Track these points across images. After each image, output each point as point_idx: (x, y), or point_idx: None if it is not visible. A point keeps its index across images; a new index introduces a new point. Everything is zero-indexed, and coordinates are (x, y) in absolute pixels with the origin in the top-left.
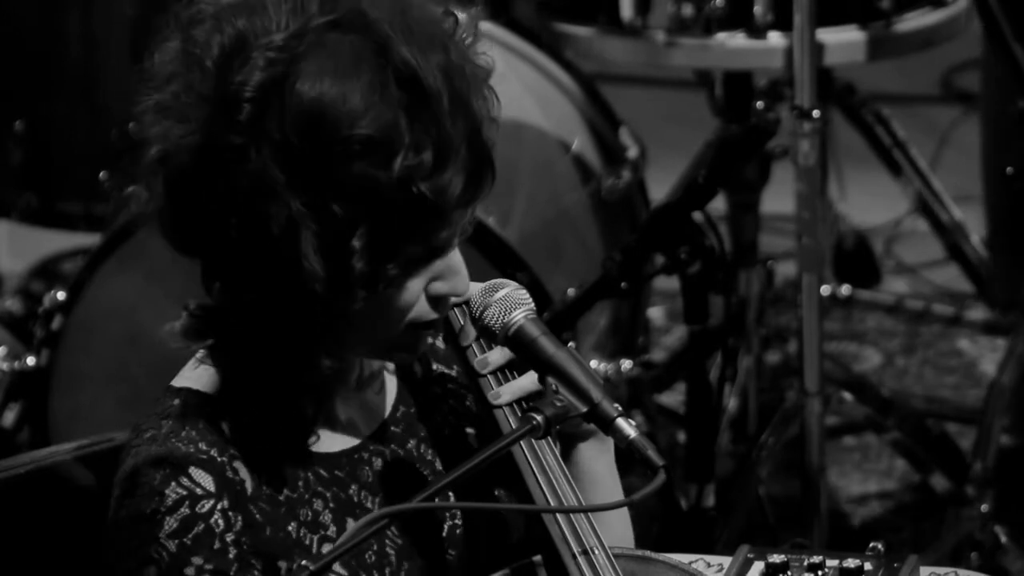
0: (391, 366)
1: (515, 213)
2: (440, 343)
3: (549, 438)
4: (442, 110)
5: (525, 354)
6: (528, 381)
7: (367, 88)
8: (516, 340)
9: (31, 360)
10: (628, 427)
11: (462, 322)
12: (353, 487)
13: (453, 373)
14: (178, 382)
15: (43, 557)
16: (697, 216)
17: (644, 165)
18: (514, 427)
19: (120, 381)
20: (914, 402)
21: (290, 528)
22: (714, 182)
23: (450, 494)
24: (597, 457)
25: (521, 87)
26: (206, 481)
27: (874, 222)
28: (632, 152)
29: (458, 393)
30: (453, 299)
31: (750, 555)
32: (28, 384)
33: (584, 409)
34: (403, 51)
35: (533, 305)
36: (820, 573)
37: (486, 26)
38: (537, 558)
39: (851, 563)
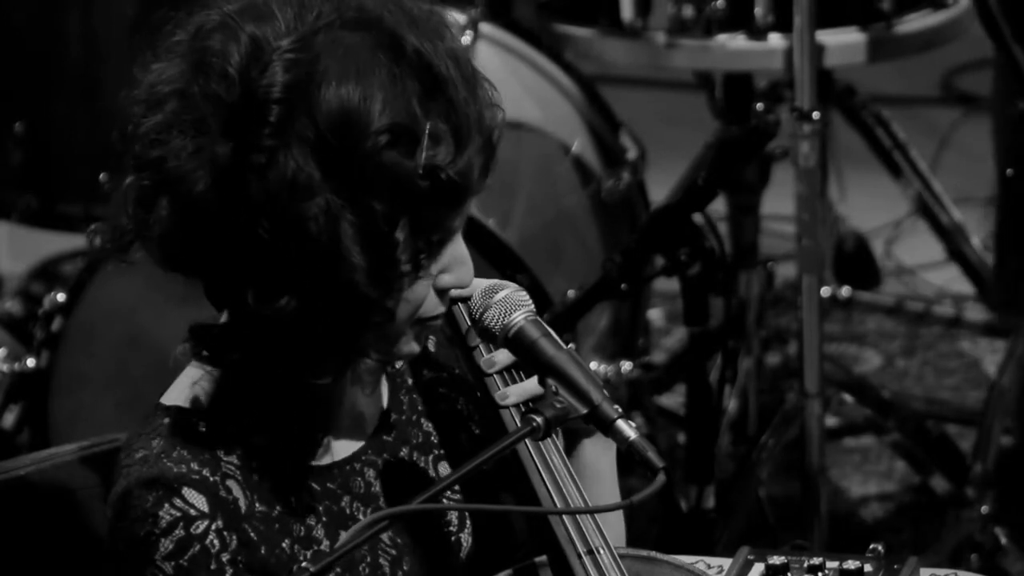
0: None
1: (515, 215)
2: (431, 346)
3: (554, 436)
4: (457, 95)
5: (525, 356)
6: (536, 383)
7: (387, 83)
8: (516, 342)
9: (31, 362)
10: (628, 429)
11: (469, 323)
12: (346, 499)
13: (445, 376)
14: (167, 400)
15: (43, 558)
16: (697, 218)
17: (644, 167)
18: (517, 427)
19: (120, 383)
20: (914, 404)
21: (284, 545)
22: (714, 184)
23: (446, 496)
24: (600, 454)
25: (521, 88)
26: (199, 501)
27: (874, 224)
28: (632, 154)
29: (450, 396)
30: (456, 292)
31: (750, 557)
32: (28, 386)
33: (584, 411)
34: (413, 41)
35: (533, 307)
36: (820, 574)
37: (486, 27)
38: (542, 558)
39: (851, 564)
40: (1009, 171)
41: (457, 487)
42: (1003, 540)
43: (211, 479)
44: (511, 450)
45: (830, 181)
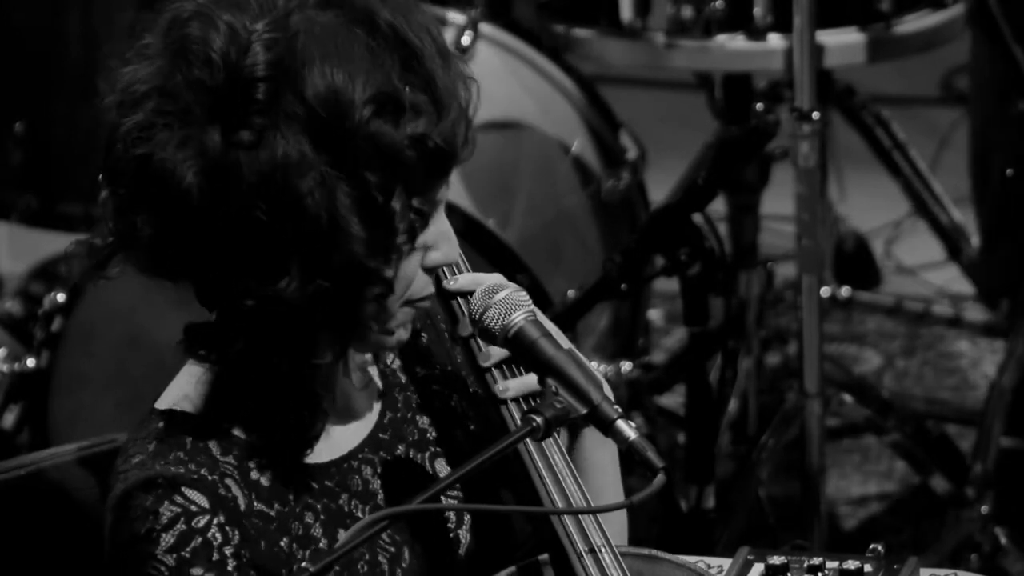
0: (374, 363)
1: (515, 215)
2: (423, 342)
3: (555, 434)
4: (434, 64)
5: (525, 356)
6: (535, 378)
7: (367, 56)
8: (516, 342)
9: (31, 362)
10: (628, 429)
11: (463, 314)
12: (344, 497)
13: (438, 373)
14: (162, 404)
15: (43, 558)
16: (697, 218)
17: (644, 167)
18: (516, 426)
19: (120, 383)
20: (914, 404)
21: (282, 544)
22: (714, 184)
23: (447, 496)
24: (601, 446)
25: (521, 89)
26: (200, 499)
27: (874, 224)
28: (632, 154)
29: (443, 394)
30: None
31: (750, 557)
32: (28, 386)
33: (584, 411)
34: (387, 16)
35: (533, 307)
36: (820, 574)
37: (486, 28)
38: (543, 557)
39: (851, 565)
40: (1009, 171)
41: (456, 485)
42: (1003, 540)
43: (209, 478)
44: (512, 448)
45: (830, 181)
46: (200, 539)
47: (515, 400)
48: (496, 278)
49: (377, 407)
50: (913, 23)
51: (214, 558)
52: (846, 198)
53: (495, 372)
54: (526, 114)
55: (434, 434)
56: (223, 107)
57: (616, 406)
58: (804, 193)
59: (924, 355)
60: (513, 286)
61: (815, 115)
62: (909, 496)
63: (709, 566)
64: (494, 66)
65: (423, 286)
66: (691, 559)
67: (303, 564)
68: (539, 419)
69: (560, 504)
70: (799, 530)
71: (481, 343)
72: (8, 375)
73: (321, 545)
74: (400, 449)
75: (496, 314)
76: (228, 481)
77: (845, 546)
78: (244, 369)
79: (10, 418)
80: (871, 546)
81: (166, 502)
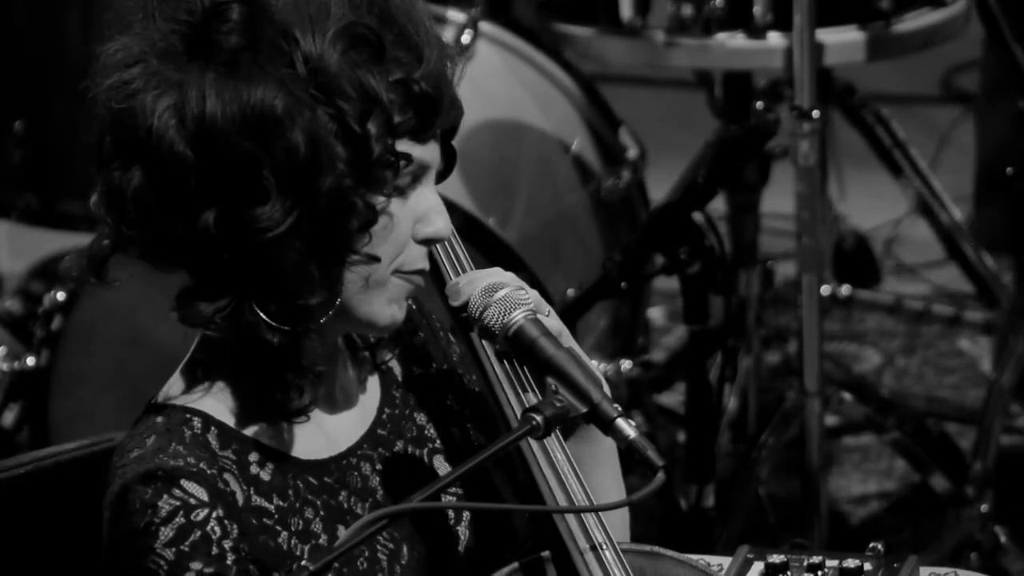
0: (372, 360)
1: (515, 214)
2: (418, 342)
3: (556, 431)
4: (408, 20)
5: (525, 355)
6: (495, 272)
7: (340, 2)
8: (516, 341)
9: (31, 360)
10: (628, 427)
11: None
12: (343, 493)
13: (433, 371)
14: (159, 399)
15: (43, 557)
16: (697, 216)
17: (644, 165)
18: (517, 426)
19: (120, 381)
20: (914, 402)
21: (281, 539)
22: (714, 182)
23: (447, 493)
24: (601, 438)
25: (521, 87)
26: (199, 492)
27: (874, 222)
28: (632, 152)
29: (439, 392)
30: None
31: (750, 555)
32: (28, 384)
33: (584, 409)
34: None
35: (534, 304)
36: (820, 573)
37: (486, 26)
38: (545, 554)
39: (851, 563)
40: (1009, 169)
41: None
42: (1003, 539)
43: (208, 472)
44: (513, 446)
45: (830, 180)
46: (199, 532)
47: (514, 391)
48: (495, 273)
49: (375, 404)
50: (913, 21)
51: (213, 552)
52: (846, 197)
53: (498, 371)
54: (526, 113)
55: (432, 431)
56: (200, 36)
57: (616, 404)
58: (804, 192)
59: (924, 354)
60: (513, 284)
61: (815, 114)
62: (909, 495)
63: (709, 564)
64: (494, 65)
65: (415, 258)
66: (692, 557)
67: (303, 562)
68: (539, 417)
69: (562, 501)
70: (799, 529)
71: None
72: (8, 374)
73: (321, 541)
74: (399, 446)
75: (496, 313)
76: (227, 476)
77: (845, 545)
78: (237, 342)
79: (10, 417)
80: (871, 545)
81: (165, 495)
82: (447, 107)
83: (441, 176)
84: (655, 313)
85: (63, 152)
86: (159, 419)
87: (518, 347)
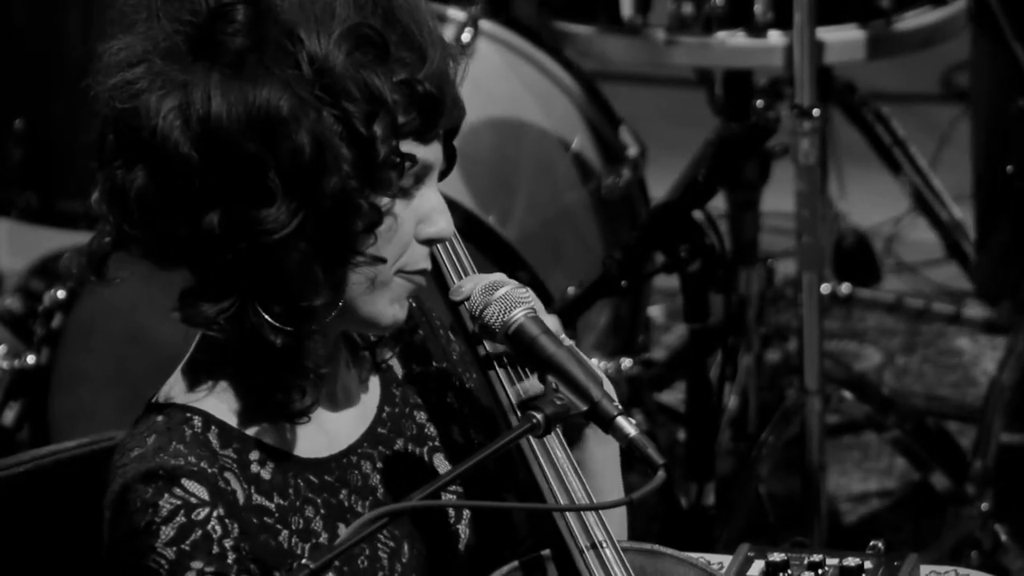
0: (372, 359)
1: (515, 212)
2: (417, 340)
3: (556, 429)
4: (411, 21)
5: (525, 353)
6: (496, 276)
7: (344, 4)
8: (516, 339)
9: (31, 359)
10: (628, 425)
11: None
12: (343, 492)
13: (433, 369)
14: (160, 398)
15: (43, 557)
16: (697, 215)
17: (644, 164)
18: (517, 424)
19: (120, 380)
20: (914, 400)
21: (282, 537)
22: (714, 181)
23: (447, 492)
24: (603, 445)
25: (521, 86)
26: (199, 491)
27: (874, 221)
28: (632, 151)
29: (439, 390)
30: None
31: (750, 554)
32: (28, 382)
33: (584, 408)
34: None
35: (534, 303)
36: (820, 572)
37: (486, 25)
38: (545, 552)
39: (851, 562)
40: (1009, 168)
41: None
42: (1003, 537)
43: (209, 471)
44: (515, 444)
45: (830, 178)
46: (200, 532)
47: (511, 383)
48: (498, 277)
49: (375, 402)
50: (913, 20)
51: (214, 551)
52: (846, 195)
53: (499, 371)
54: (526, 111)
55: (432, 429)
56: (205, 37)
57: (616, 403)
58: (804, 190)
59: (924, 352)
60: (513, 283)
61: (815, 112)
62: (909, 493)
63: (709, 563)
64: (494, 63)
65: (418, 258)
66: (692, 555)
67: (303, 561)
68: (539, 416)
69: (562, 500)
70: (799, 527)
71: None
72: (8, 372)
73: (322, 540)
74: (399, 444)
75: (496, 311)
76: (227, 475)
77: (845, 543)
78: (240, 343)
79: (10, 415)
80: (871, 543)
81: (166, 494)
82: (450, 107)
83: (441, 175)
84: (655, 311)
85: (63, 151)
86: (159, 418)
87: (518, 345)
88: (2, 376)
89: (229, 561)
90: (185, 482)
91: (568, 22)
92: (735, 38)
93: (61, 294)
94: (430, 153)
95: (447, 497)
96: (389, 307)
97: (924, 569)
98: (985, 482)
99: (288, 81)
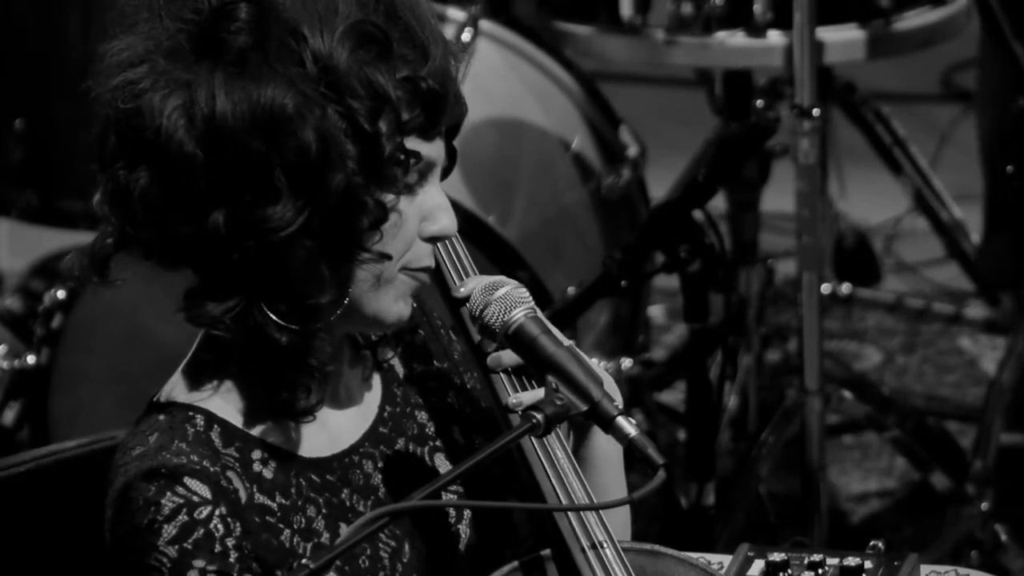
0: (373, 358)
1: (515, 212)
2: (419, 340)
3: (557, 429)
4: (412, 18)
5: (525, 353)
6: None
7: (345, 4)
8: (516, 339)
9: (31, 359)
10: (628, 425)
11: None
12: (345, 491)
13: (434, 369)
14: (162, 396)
15: (44, 556)
16: (697, 214)
17: (644, 163)
18: (517, 424)
19: (120, 380)
20: (914, 400)
21: (284, 537)
22: (714, 180)
23: (448, 491)
24: (609, 444)
25: (521, 85)
26: (202, 490)
27: (874, 220)
28: (632, 150)
29: (440, 390)
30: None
31: (750, 553)
32: (28, 382)
33: (584, 408)
34: None
35: (533, 303)
36: (820, 571)
37: (486, 24)
38: (546, 552)
39: (851, 561)
40: (1009, 168)
41: (456, 480)
42: (1003, 537)
43: (211, 469)
44: (515, 444)
45: (830, 178)
46: (202, 530)
47: (513, 383)
48: (500, 279)
49: (377, 402)
50: (913, 20)
51: (216, 550)
52: (846, 195)
53: (503, 377)
54: (526, 111)
55: (433, 429)
56: (208, 35)
57: (616, 403)
58: (804, 190)
59: (924, 352)
60: (513, 283)
61: (815, 112)
62: (909, 493)
63: (709, 563)
64: (494, 63)
65: (422, 255)
66: (692, 555)
67: (303, 560)
68: (539, 416)
69: (563, 500)
70: (799, 527)
71: (486, 344)
72: (8, 372)
73: (323, 539)
74: (400, 443)
75: (496, 311)
76: (230, 473)
77: (845, 543)
78: (245, 342)
79: (10, 415)
80: (871, 543)
81: (168, 493)
82: (452, 104)
83: (444, 173)
84: (655, 311)
85: (63, 150)
86: (162, 417)
87: (518, 345)
88: (2, 376)
89: (231, 560)
90: (187, 481)
91: (568, 22)
92: (735, 38)
93: (61, 294)
94: (433, 150)
95: (447, 497)
96: (394, 304)
97: (924, 569)
98: (985, 482)
99: (292, 79)
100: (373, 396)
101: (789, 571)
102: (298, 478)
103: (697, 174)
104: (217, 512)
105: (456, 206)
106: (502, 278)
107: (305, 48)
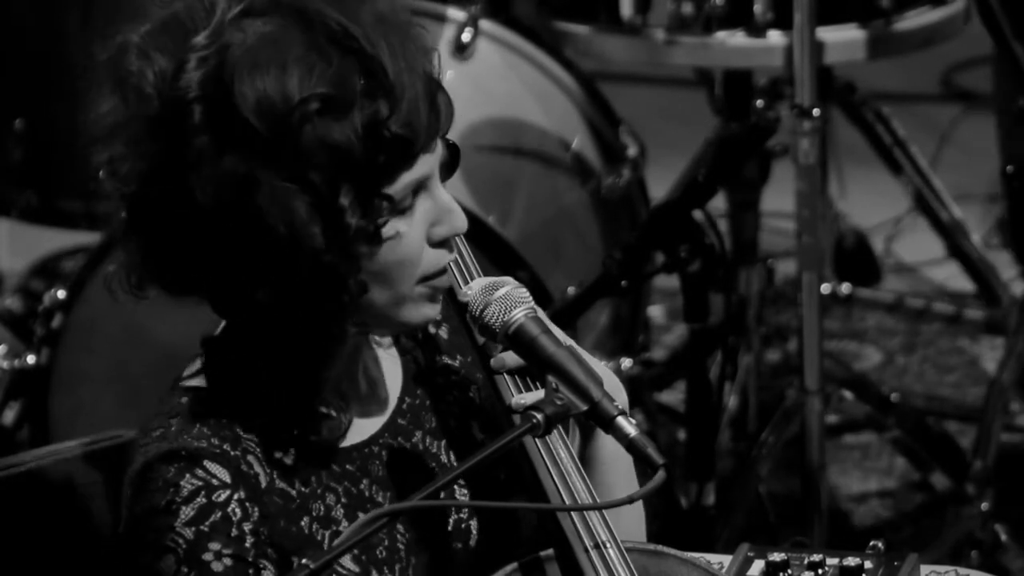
0: (395, 348)
1: (515, 212)
2: (443, 333)
3: (560, 429)
4: (383, 51)
5: (525, 353)
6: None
7: (303, 56)
8: (516, 339)
9: (31, 358)
10: (628, 425)
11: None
12: (364, 482)
13: (456, 364)
14: (184, 380)
15: (44, 556)
16: (697, 214)
17: (644, 163)
18: (517, 424)
19: (120, 380)
20: (914, 400)
21: (303, 523)
22: (714, 180)
23: (456, 488)
24: (613, 442)
25: (521, 85)
26: (221, 473)
27: (874, 220)
28: (632, 150)
29: (462, 384)
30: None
31: (750, 553)
32: (28, 382)
33: (584, 408)
34: (324, 11)
35: (533, 303)
36: (820, 572)
37: (486, 24)
38: (549, 552)
39: (851, 561)
40: (1009, 168)
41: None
42: (1003, 537)
43: (232, 453)
44: (518, 443)
45: (830, 178)
46: (220, 513)
47: (515, 383)
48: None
49: (397, 393)
50: (913, 20)
51: (232, 533)
52: (846, 195)
53: (507, 378)
54: (526, 111)
55: (451, 424)
56: (165, 134)
57: (617, 403)
58: (804, 190)
59: (924, 352)
60: (513, 282)
61: (815, 112)
62: (909, 493)
63: (710, 563)
64: (494, 63)
65: (435, 260)
66: (692, 555)
67: (303, 560)
68: (539, 416)
69: (566, 500)
70: (799, 527)
71: (491, 347)
72: (8, 372)
73: (342, 527)
74: (417, 436)
75: (496, 311)
76: (250, 458)
77: (845, 543)
78: (265, 354)
79: (10, 415)
80: (871, 543)
81: (187, 475)
82: (430, 128)
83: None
84: (655, 311)
85: (63, 151)
86: (184, 399)
87: (519, 345)
88: (2, 376)
89: (247, 545)
90: (207, 464)
91: (568, 22)
92: (735, 38)
93: (61, 294)
94: (421, 168)
95: (452, 495)
96: (419, 311)
97: (924, 569)
98: (985, 482)
99: (251, 170)
100: (393, 387)
101: (789, 571)
102: (318, 466)
103: (697, 174)
104: (236, 496)
105: None
106: (505, 278)
107: (257, 137)
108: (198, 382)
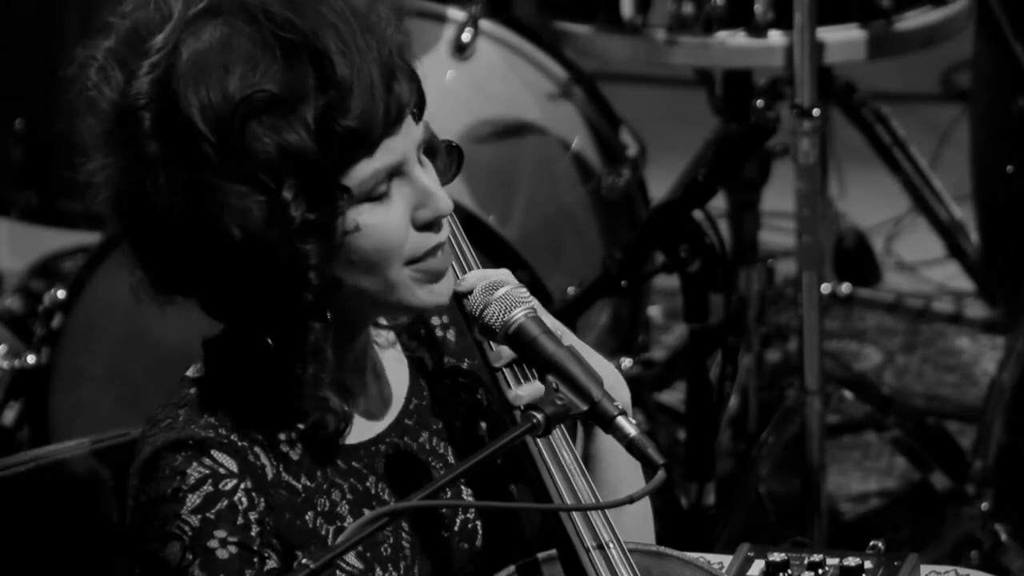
0: (401, 349)
1: (515, 211)
2: (451, 335)
3: (562, 429)
4: (331, 44)
5: (525, 353)
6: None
7: (248, 55)
8: (516, 339)
9: (31, 358)
10: (628, 425)
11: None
12: (370, 479)
13: (464, 366)
14: (192, 372)
15: (44, 556)
16: (697, 214)
17: (644, 163)
18: (518, 424)
19: (120, 379)
20: (914, 400)
21: (307, 517)
22: (714, 180)
23: (461, 488)
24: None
25: (521, 85)
26: (228, 462)
27: (874, 220)
28: (632, 150)
29: (469, 386)
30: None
31: (750, 553)
32: (28, 382)
33: (584, 407)
34: (271, 8)
35: (533, 303)
36: (820, 571)
37: (487, 24)
38: (552, 552)
39: (851, 561)
40: (1009, 168)
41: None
42: (1003, 537)
43: (239, 444)
44: (521, 443)
45: (830, 178)
46: (226, 502)
47: (512, 372)
48: (502, 273)
49: (404, 393)
50: (913, 20)
51: (238, 522)
52: (846, 195)
53: (506, 373)
54: (526, 111)
55: (458, 425)
56: (120, 143)
57: (617, 402)
58: (804, 190)
59: (924, 352)
60: (513, 282)
61: (815, 112)
62: (909, 493)
63: (710, 563)
64: (494, 63)
65: (420, 244)
66: (693, 556)
67: (303, 560)
68: (539, 416)
69: (568, 500)
70: (799, 527)
71: (490, 344)
72: (8, 371)
73: (347, 523)
74: (424, 437)
75: (496, 311)
76: (257, 449)
77: (845, 543)
78: (257, 349)
79: (10, 415)
80: (871, 543)
81: (194, 463)
82: (391, 110)
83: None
84: (655, 311)
85: (63, 151)
86: (192, 390)
87: (519, 345)
88: (2, 376)
89: (252, 534)
90: (215, 453)
91: (568, 22)
92: (735, 38)
93: (61, 294)
94: (387, 155)
95: (455, 496)
96: (417, 294)
97: (924, 569)
98: (985, 482)
99: (203, 176)
100: (400, 388)
101: (789, 571)
102: (324, 462)
103: (697, 174)
104: (242, 485)
105: (456, 206)
106: (502, 273)
107: (204, 143)
108: (207, 374)
